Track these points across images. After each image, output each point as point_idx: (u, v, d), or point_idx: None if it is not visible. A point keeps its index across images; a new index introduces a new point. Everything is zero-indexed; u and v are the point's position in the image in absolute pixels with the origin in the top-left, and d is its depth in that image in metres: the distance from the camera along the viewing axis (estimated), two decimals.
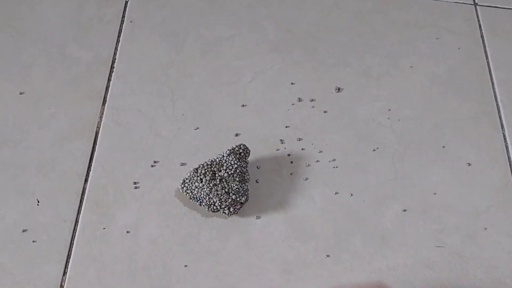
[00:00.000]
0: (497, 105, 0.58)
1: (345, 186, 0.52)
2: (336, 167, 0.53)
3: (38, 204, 0.47)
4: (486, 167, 0.54)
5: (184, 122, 0.54)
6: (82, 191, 0.49)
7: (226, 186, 0.46)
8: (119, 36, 0.58)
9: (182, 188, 0.47)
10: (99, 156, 0.51)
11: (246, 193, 0.47)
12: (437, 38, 0.64)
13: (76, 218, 0.47)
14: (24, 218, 0.47)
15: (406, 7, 0.66)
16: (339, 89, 0.58)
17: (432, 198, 0.52)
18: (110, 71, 0.56)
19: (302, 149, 0.54)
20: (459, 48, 0.63)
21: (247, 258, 0.47)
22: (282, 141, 0.54)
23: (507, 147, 0.56)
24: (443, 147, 0.55)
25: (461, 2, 0.67)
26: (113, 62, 0.56)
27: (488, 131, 0.57)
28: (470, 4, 0.67)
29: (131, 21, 0.59)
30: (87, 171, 0.50)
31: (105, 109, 0.53)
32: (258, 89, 0.57)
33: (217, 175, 0.46)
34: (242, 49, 0.60)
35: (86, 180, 0.49)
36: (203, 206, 0.47)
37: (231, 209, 0.47)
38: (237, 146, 0.48)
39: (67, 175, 0.49)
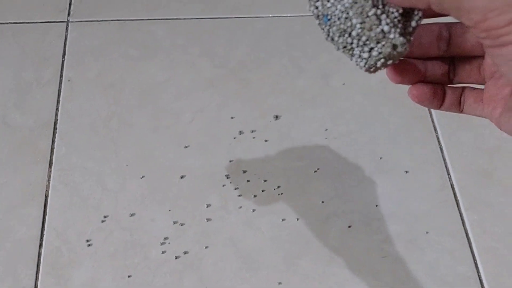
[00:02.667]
0: (428, 108, 0.60)
1: (291, 211, 0.54)
2: (282, 193, 0.55)
3: None
4: (423, 171, 0.57)
5: (129, 172, 0.56)
6: (38, 256, 0.50)
7: (379, 10, 0.25)
8: (59, 96, 0.60)
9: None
10: (51, 219, 0.52)
11: (408, 37, 0.25)
12: None
13: (35, 283, 0.49)
14: None
15: None
16: (277, 116, 0.61)
17: (374, 210, 0.55)
18: (54, 132, 0.58)
19: (248, 181, 0.56)
20: None
21: None
22: (227, 176, 0.56)
23: (441, 149, 0.59)
24: (381, 158, 0.58)
25: None
26: (55, 123, 0.58)
27: (421, 135, 0.60)
28: None
29: (69, 80, 0.61)
30: (41, 235, 0.51)
31: (52, 171, 0.55)
32: (199, 128, 0.59)
33: None
34: (179, 90, 0.62)
35: (40, 245, 0.51)
36: (330, 33, 0.27)
37: (375, 51, 0.25)
38: None
39: (22, 242, 0.51)
